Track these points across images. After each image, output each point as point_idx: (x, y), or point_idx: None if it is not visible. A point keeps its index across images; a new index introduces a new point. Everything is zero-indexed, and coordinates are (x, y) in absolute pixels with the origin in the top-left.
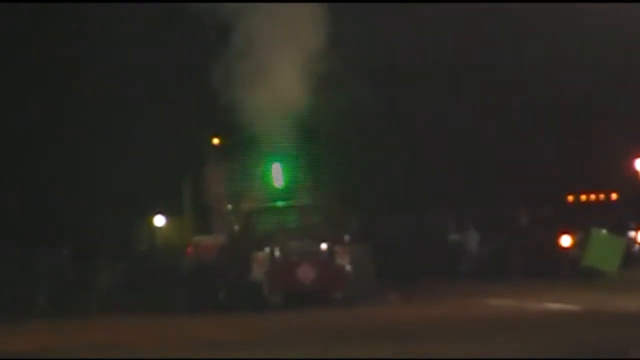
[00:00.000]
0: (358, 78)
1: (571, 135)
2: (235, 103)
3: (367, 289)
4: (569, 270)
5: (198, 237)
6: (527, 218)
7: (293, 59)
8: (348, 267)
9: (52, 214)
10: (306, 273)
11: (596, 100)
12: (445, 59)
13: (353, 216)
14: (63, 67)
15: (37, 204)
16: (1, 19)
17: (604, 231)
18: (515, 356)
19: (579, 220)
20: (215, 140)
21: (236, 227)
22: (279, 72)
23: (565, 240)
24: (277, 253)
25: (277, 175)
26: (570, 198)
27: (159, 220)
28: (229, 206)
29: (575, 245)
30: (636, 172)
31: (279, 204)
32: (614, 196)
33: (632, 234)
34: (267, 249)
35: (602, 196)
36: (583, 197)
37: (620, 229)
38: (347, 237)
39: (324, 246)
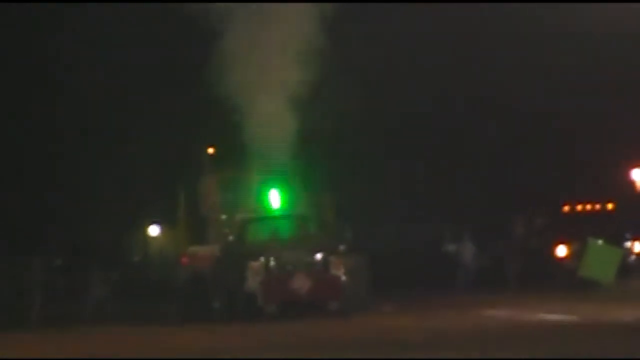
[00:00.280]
0: (351, 85)
1: (568, 145)
2: (231, 111)
3: (362, 300)
4: (566, 281)
5: (193, 247)
6: (524, 228)
7: (288, 63)
8: (343, 277)
9: (46, 223)
10: (301, 283)
11: (593, 111)
12: (445, 62)
13: (348, 226)
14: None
15: (30, 213)
16: (1, 19)
17: (601, 241)
18: None
19: (576, 230)
20: (211, 150)
21: (231, 237)
22: (274, 79)
23: (562, 251)
24: (272, 263)
25: (274, 199)
26: (567, 208)
27: (154, 230)
28: (224, 216)
29: (571, 255)
30: (633, 182)
31: (274, 214)
32: (610, 206)
33: (628, 244)
34: (262, 259)
35: (598, 206)
36: (579, 207)
37: (616, 240)
38: (342, 247)
39: (319, 256)
